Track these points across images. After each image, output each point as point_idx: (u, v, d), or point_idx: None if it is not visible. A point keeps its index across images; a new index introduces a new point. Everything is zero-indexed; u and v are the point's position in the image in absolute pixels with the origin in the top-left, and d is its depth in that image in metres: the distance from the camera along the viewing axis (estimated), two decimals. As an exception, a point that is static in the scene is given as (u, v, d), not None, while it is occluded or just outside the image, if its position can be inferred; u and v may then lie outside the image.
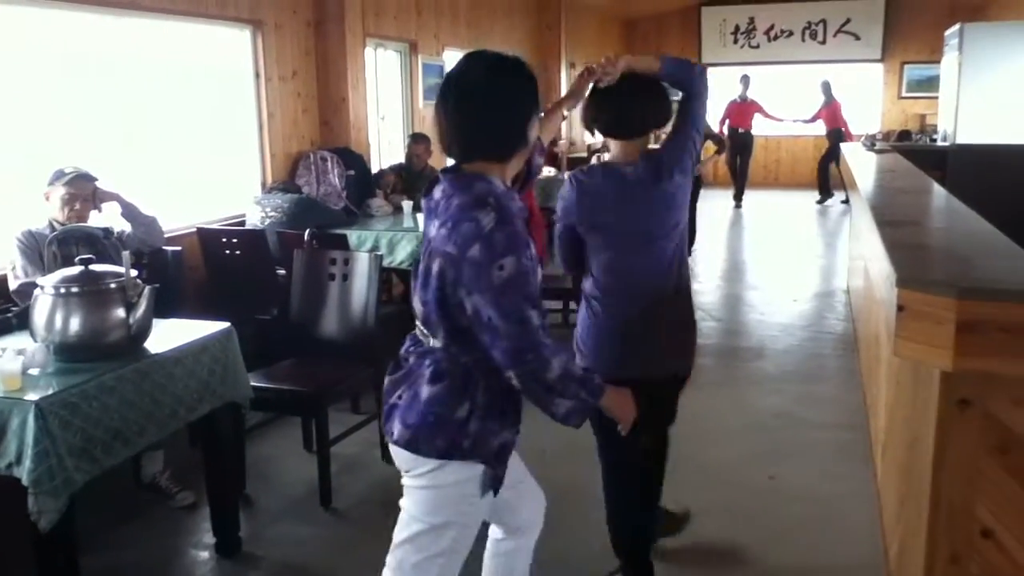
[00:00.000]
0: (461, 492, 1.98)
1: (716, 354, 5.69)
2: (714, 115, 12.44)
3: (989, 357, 1.83)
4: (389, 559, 2.08)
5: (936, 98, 10.70)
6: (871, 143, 7.12)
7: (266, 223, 5.20)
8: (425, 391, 1.95)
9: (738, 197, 12.88)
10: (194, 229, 4.93)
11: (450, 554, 2.02)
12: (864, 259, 4.09)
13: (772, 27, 15.12)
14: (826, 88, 13.01)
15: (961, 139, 8.35)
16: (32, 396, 2.42)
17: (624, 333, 2.60)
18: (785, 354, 5.60)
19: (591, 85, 2.55)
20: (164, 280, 4.01)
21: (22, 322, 3.05)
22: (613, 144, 2.61)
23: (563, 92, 11.55)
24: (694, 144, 2.59)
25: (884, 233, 2.57)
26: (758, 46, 15.22)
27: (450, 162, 2.05)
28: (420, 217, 5.32)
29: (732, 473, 3.86)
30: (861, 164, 5.50)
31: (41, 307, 2.72)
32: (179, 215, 5.03)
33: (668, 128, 2.64)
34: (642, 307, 2.58)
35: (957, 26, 8.60)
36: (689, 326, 2.74)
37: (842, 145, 7.69)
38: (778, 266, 8.61)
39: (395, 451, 2.02)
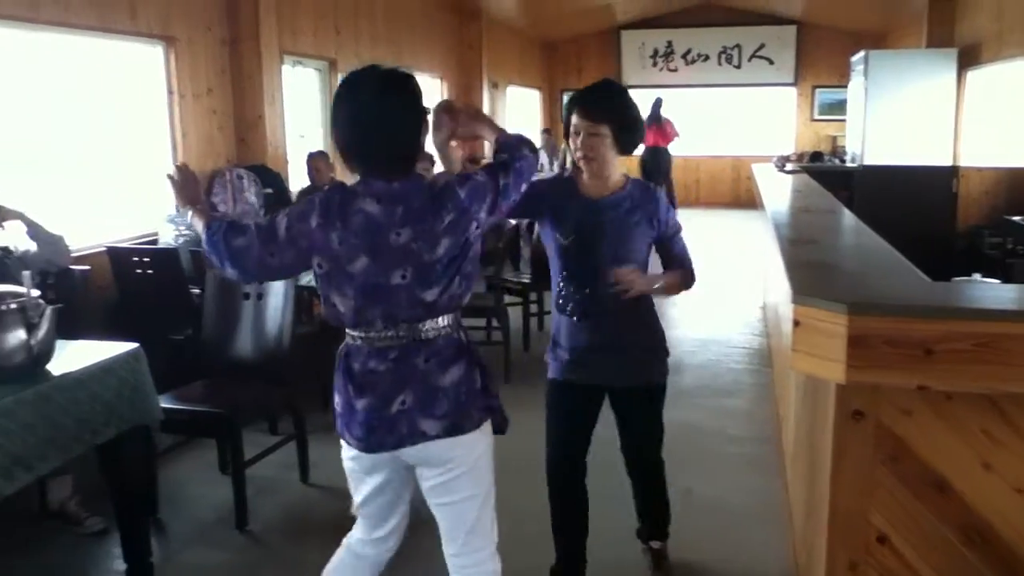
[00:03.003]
0: (488, 446, 2.27)
1: (634, 370, 5.77)
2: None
3: (878, 370, 1.91)
4: (465, 555, 2.28)
5: (846, 120, 11.12)
6: (781, 164, 7.33)
7: (179, 241, 5.10)
8: (445, 379, 2.16)
9: None
10: (104, 248, 4.81)
11: (493, 507, 2.32)
12: (773, 276, 4.21)
13: (689, 51, 15.51)
14: (655, 106, 13.35)
15: (868, 160, 8.68)
16: (-75, 421, 2.34)
17: None
18: (701, 369, 5.71)
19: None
20: (71, 301, 3.90)
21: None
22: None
23: (485, 109, 11.64)
24: None
25: (785, 251, 2.67)
26: (676, 69, 15.59)
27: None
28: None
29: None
30: (770, 185, 5.67)
31: (-64, 329, 2.62)
32: (89, 234, 4.91)
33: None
34: None
35: (862, 53, 8.96)
36: None
37: (753, 166, 7.90)
38: (698, 282, 8.76)
39: (420, 449, 2.16)
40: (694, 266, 2.90)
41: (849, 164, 9.46)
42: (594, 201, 2.70)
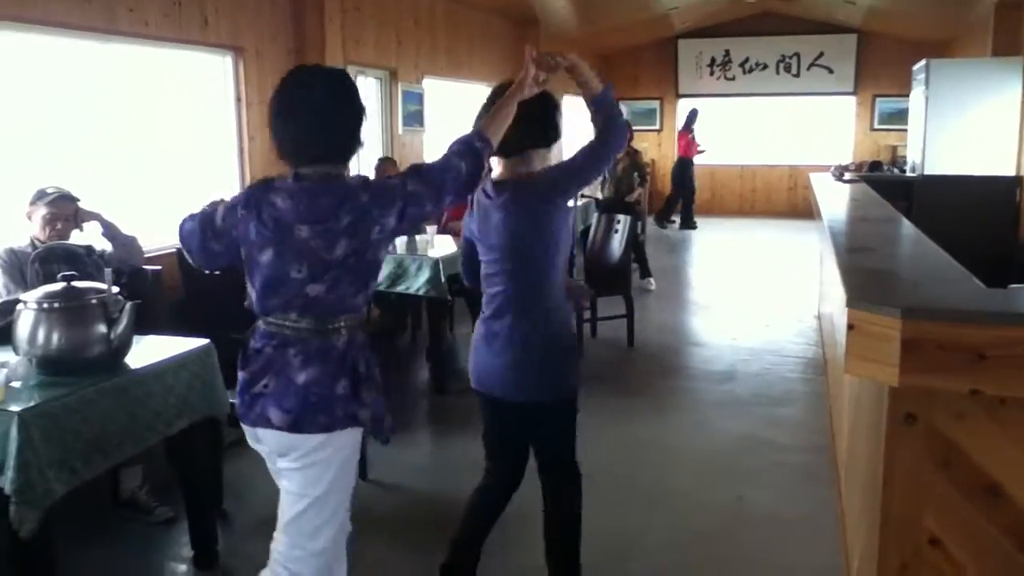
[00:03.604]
0: (342, 458, 2.27)
1: (689, 378, 5.80)
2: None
3: (930, 373, 1.94)
4: (279, 540, 2.31)
5: (907, 130, 10.97)
6: (839, 174, 7.29)
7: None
8: (301, 376, 2.20)
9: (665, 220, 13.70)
10: (174, 249, 4.99)
11: (335, 519, 2.30)
12: (828, 284, 4.21)
13: (747, 60, 15.41)
14: (690, 117, 13.63)
15: (929, 170, 8.57)
16: (15, 407, 2.48)
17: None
18: (755, 378, 5.71)
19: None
20: (143, 298, 4.07)
21: (4, 337, 3.11)
22: (496, 162, 2.65)
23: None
24: (584, 178, 2.68)
25: (841, 258, 2.69)
26: (734, 78, 15.50)
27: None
28: (399, 239, 5.41)
29: (696, 495, 3.95)
30: (828, 194, 5.65)
31: (24, 321, 2.78)
32: (160, 235, 5.09)
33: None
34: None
35: (923, 62, 8.85)
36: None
37: (811, 175, 7.86)
38: (751, 292, 8.76)
39: (270, 435, 2.24)
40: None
41: (909, 174, 9.34)
42: None
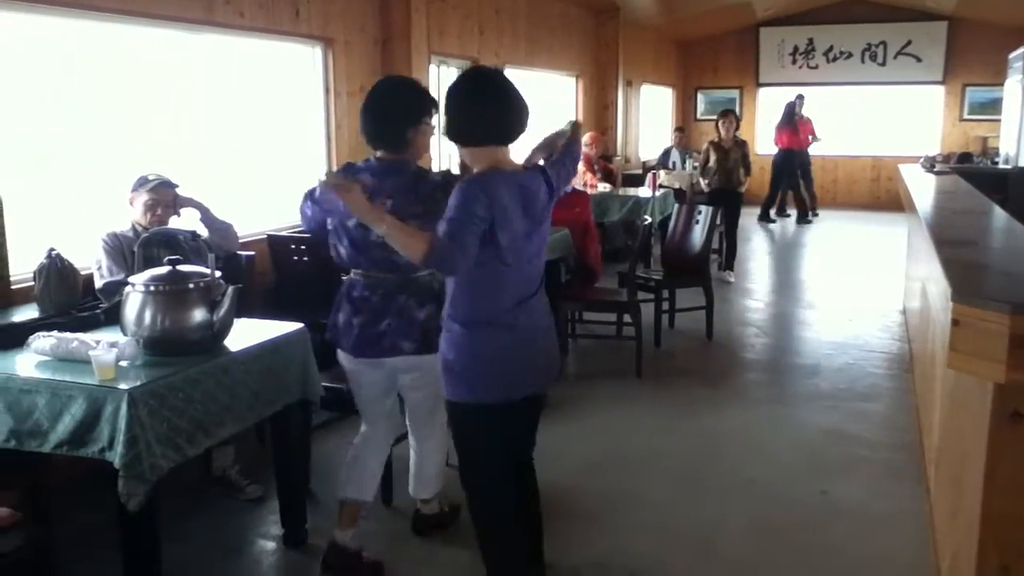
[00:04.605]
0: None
1: (771, 371, 5.73)
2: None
3: (1041, 371, 1.89)
4: (423, 437, 3.30)
5: (999, 121, 10.60)
6: (930, 165, 7.09)
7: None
8: (421, 314, 2.95)
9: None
10: (265, 236, 5.13)
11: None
12: (921, 279, 4.11)
13: (831, 48, 15.07)
14: (790, 107, 13.03)
15: (1024, 162, 8.27)
16: (124, 385, 2.58)
17: None
18: (839, 372, 5.61)
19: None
20: (237, 283, 4.20)
21: (109, 318, 3.25)
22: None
23: (619, 108, 11.66)
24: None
25: (941, 251, 2.64)
26: (817, 67, 15.18)
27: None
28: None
29: (779, 488, 3.91)
30: (920, 185, 5.51)
31: (132, 303, 2.89)
32: (252, 222, 5.23)
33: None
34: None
35: (1021, 49, 8.54)
36: None
37: (900, 167, 7.66)
38: (834, 285, 8.59)
39: (399, 360, 2.98)
40: (439, 243, 2.38)
41: (1002, 166, 9.03)
42: None
